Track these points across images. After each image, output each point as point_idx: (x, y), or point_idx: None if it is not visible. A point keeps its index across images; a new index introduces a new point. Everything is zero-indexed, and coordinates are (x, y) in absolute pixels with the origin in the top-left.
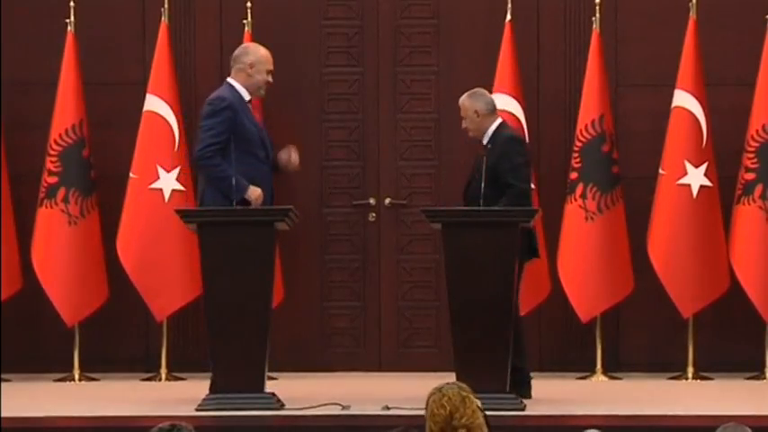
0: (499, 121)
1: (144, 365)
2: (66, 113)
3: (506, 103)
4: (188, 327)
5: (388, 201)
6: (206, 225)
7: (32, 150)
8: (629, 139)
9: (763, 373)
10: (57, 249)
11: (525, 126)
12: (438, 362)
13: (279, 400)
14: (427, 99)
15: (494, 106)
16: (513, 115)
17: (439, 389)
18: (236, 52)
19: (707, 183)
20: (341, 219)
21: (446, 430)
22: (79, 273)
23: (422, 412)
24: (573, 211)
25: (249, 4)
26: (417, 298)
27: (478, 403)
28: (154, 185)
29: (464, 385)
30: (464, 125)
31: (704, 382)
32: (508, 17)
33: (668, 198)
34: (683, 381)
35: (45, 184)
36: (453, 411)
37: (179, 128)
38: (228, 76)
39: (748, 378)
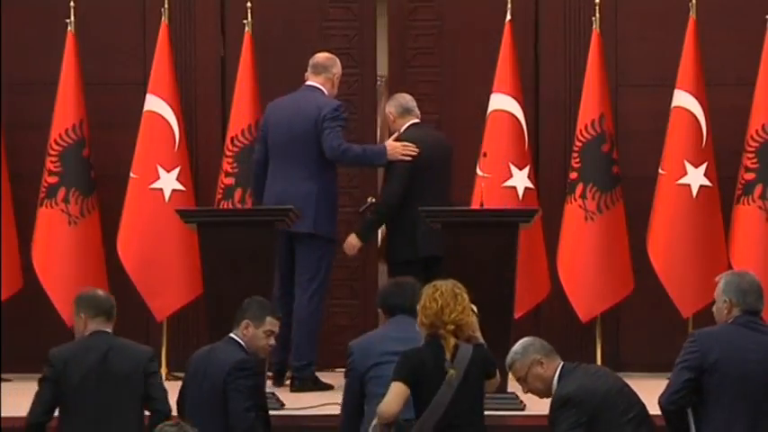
0: (411, 122)
1: None
2: (66, 113)
3: (506, 103)
4: (188, 327)
5: None
6: (206, 225)
7: (32, 150)
8: (629, 139)
9: None
10: (57, 249)
11: (525, 126)
12: None
13: (279, 400)
14: (428, 99)
15: (405, 108)
16: (513, 115)
17: (433, 284)
18: (324, 61)
19: (707, 183)
20: (341, 218)
21: (436, 324)
22: (79, 273)
23: None
24: (573, 211)
25: (249, 4)
26: None
27: (474, 308)
28: (154, 185)
29: (459, 283)
30: None
31: None
32: (508, 17)
33: (668, 198)
34: None
35: (45, 184)
36: (444, 306)
37: (179, 128)
38: (307, 80)
39: None
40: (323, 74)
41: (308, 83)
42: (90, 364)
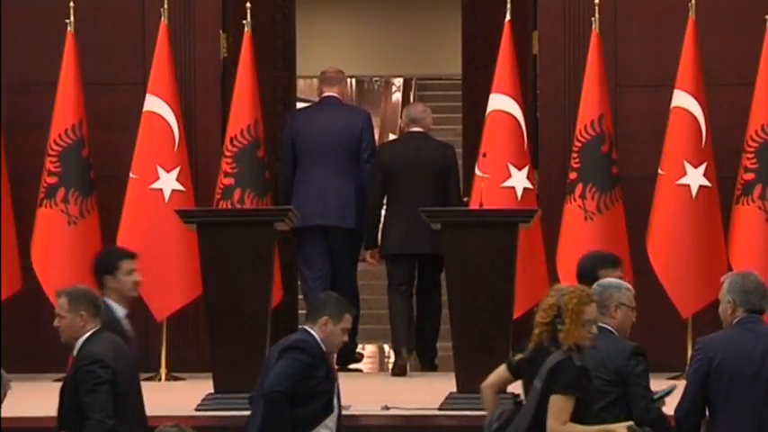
0: (409, 130)
1: (144, 365)
2: (66, 113)
3: (505, 104)
4: (188, 327)
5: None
6: (206, 225)
7: (32, 150)
8: (628, 139)
9: None
10: (57, 249)
11: (524, 126)
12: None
13: None
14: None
15: (411, 119)
16: (512, 115)
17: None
18: (335, 75)
19: (706, 183)
20: None
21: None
22: (79, 273)
23: (420, 412)
24: (572, 211)
25: (249, 5)
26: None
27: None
28: (154, 185)
29: (567, 289)
30: None
31: None
32: (508, 17)
33: (668, 198)
34: (683, 380)
35: (45, 184)
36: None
37: (179, 128)
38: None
39: None
40: (337, 85)
41: (326, 94)
42: (129, 363)
